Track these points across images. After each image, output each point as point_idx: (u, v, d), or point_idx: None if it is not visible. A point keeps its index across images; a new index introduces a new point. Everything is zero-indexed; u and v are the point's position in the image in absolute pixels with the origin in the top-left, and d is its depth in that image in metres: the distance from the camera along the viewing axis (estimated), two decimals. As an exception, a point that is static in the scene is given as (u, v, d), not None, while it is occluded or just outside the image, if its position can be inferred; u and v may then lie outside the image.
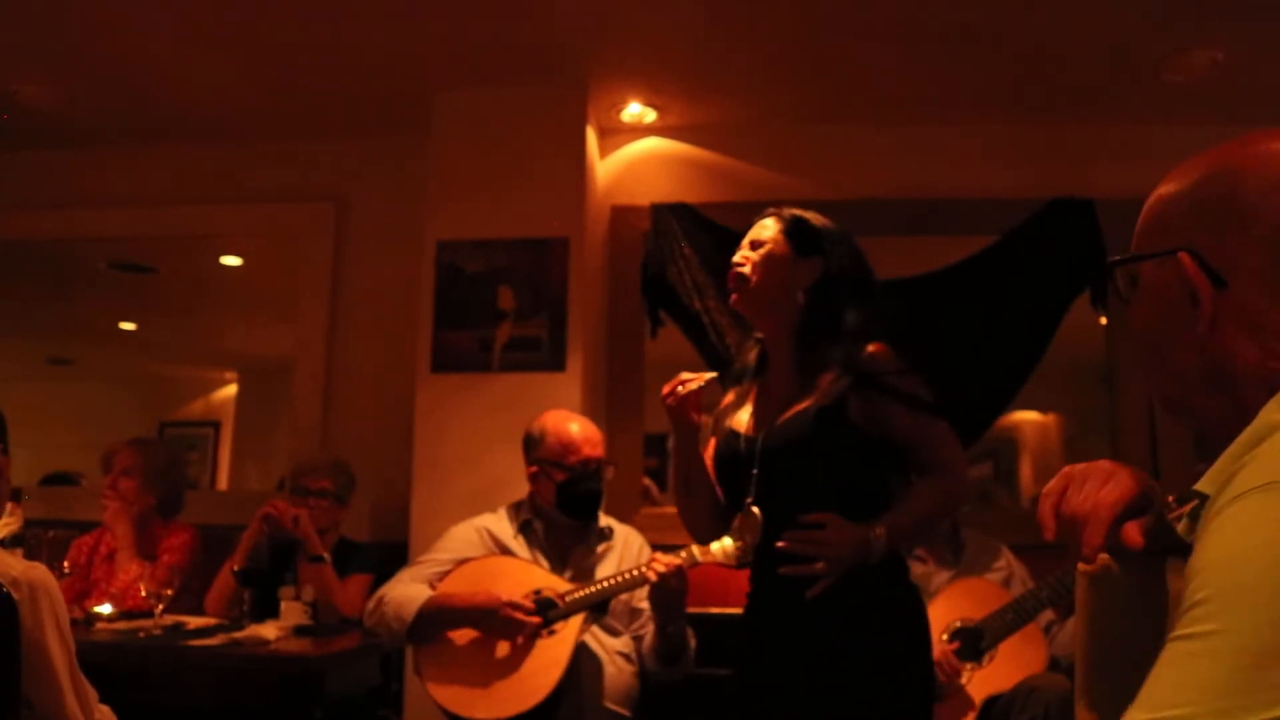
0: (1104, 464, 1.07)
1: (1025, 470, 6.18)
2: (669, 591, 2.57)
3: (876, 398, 2.02)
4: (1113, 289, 1.15)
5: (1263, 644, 0.73)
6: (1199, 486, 0.94)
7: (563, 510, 2.91)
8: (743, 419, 2.18)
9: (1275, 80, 3.57)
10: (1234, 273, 0.98)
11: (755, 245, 2.18)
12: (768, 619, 2.11)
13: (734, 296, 2.17)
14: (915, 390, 2.05)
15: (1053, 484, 1.09)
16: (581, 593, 2.72)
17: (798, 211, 2.21)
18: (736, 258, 2.18)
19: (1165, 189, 1.09)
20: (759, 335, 2.26)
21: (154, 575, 2.86)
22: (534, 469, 2.95)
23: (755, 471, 2.08)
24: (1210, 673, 0.74)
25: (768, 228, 2.19)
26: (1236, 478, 0.86)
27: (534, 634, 2.66)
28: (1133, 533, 1.02)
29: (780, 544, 1.99)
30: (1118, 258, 1.13)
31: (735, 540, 2.23)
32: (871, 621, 2.00)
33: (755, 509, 2.08)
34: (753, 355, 2.27)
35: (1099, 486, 1.05)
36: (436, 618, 2.71)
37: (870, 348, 2.05)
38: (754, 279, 2.14)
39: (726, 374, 2.31)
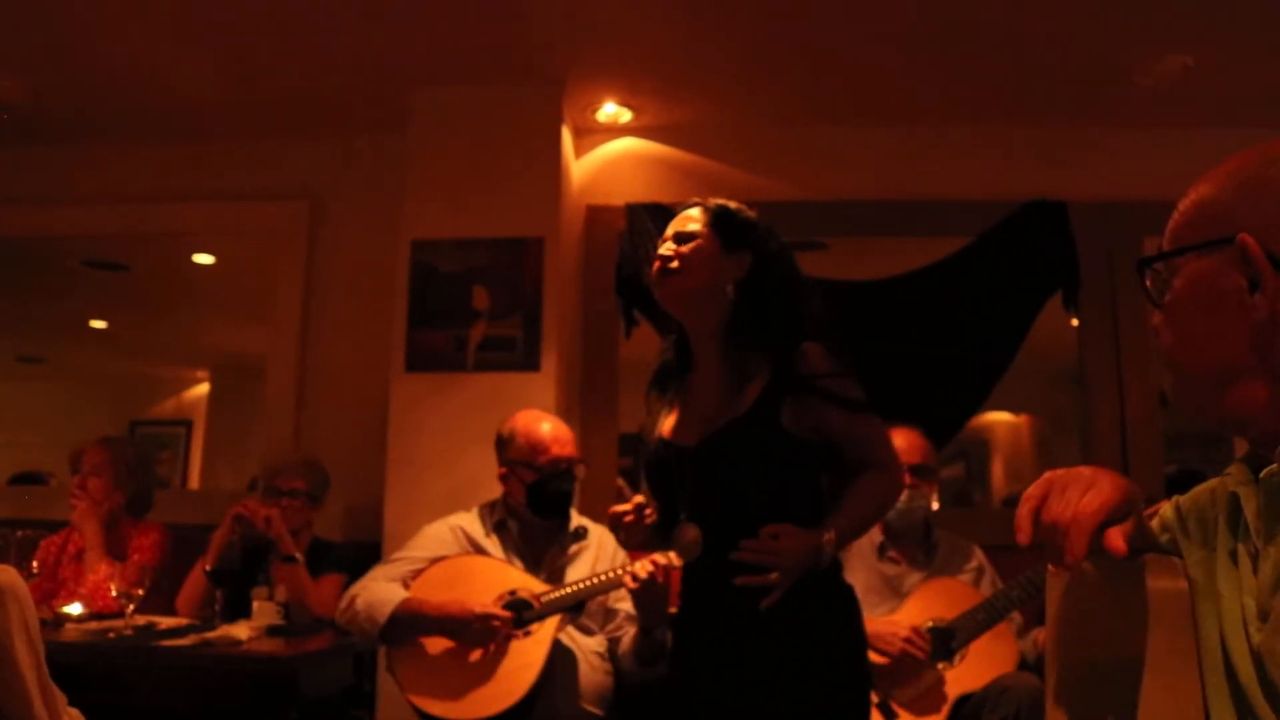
0: (1085, 471, 1.07)
1: (997, 471, 6.23)
2: (655, 591, 2.53)
3: (812, 402, 1.97)
4: (1144, 290, 1.14)
5: None
6: None
7: (533, 510, 2.90)
8: (670, 425, 2.11)
9: (1243, 85, 3.61)
10: None
11: (682, 238, 2.08)
12: (708, 628, 2.04)
13: (659, 291, 2.08)
14: (848, 391, 2.00)
15: (1033, 489, 1.08)
16: (557, 594, 2.72)
17: (724, 202, 2.12)
18: (662, 250, 2.08)
19: (1206, 187, 1.09)
20: (682, 329, 2.17)
21: (124, 575, 2.84)
22: (504, 469, 2.95)
23: (688, 483, 2.01)
24: None
25: (694, 219, 2.10)
26: None
27: (508, 636, 2.66)
28: (1116, 539, 1.02)
29: (736, 555, 1.92)
30: (1156, 254, 1.12)
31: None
32: (812, 624, 1.96)
33: (691, 525, 2.01)
34: (672, 354, 2.18)
35: (1081, 494, 1.04)
36: (409, 622, 2.70)
37: (803, 349, 1.99)
38: (682, 273, 2.04)
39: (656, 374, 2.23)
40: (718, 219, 2.09)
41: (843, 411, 1.99)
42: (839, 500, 2.02)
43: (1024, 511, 1.06)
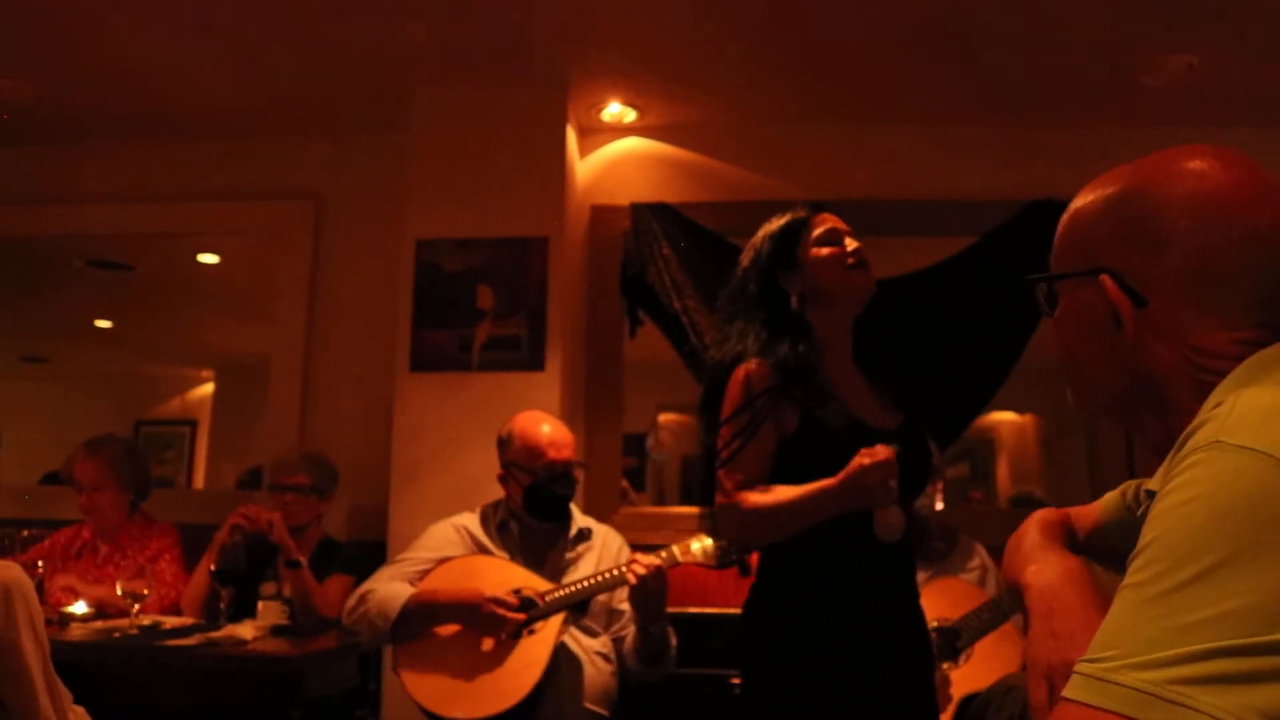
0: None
1: (1002, 470, 6.22)
2: (649, 592, 2.59)
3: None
4: (1035, 300, 1.16)
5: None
6: (1148, 485, 0.94)
7: (529, 512, 2.91)
8: (863, 410, 2.09)
9: (1246, 84, 3.60)
10: (1153, 290, 0.98)
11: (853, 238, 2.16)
12: (889, 597, 2.07)
13: (864, 280, 2.12)
14: None
15: (1037, 694, 0.98)
16: (561, 592, 2.72)
17: None
18: (855, 246, 2.11)
19: (1081, 203, 1.10)
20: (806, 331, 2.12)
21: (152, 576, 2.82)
22: (502, 471, 2.96)
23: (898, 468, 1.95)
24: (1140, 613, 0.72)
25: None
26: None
27: (515, 632, 2.66)
28: None
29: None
30: (1036, 275, 1.14)
31: (718, 541, 2.23)
32: None
33: (895, 507, 1.95)
34: (796, 353, 2.06)
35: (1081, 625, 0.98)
36: (420, 614, 2.70)
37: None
38: (870, 270, 2.13)
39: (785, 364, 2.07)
40: None
41: None
42: None
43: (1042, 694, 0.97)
